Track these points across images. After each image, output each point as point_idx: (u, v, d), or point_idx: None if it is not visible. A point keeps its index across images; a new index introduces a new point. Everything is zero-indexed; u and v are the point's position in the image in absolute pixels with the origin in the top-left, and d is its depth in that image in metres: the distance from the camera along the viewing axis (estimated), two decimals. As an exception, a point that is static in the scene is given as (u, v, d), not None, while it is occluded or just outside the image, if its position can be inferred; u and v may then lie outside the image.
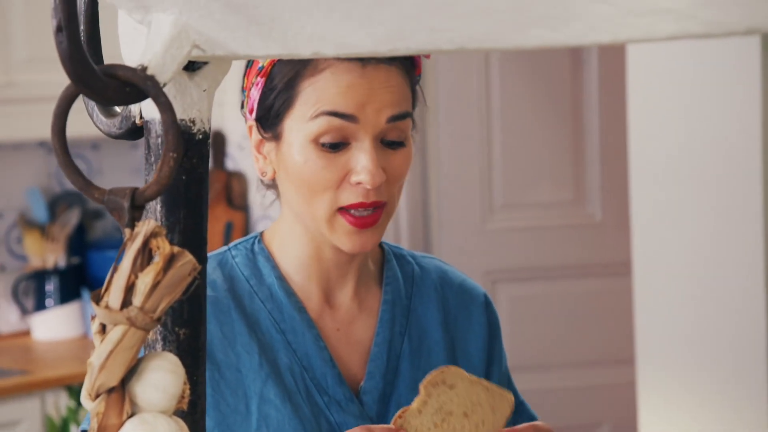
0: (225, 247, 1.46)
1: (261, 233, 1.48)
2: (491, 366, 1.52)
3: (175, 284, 0.77)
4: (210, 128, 0.86)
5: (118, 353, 0.76)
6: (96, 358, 0.76)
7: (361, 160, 1.31)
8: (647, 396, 2.48)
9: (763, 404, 2.28)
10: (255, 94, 1.36)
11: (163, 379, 0.77)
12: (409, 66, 1.37)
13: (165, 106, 0.77)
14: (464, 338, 1.49)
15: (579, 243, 3.41)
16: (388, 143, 1.34)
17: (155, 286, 0.76)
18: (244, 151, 3.77)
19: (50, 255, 3.63)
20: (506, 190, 3.41)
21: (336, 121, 1.31)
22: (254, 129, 1.38)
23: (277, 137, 1.35)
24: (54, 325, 3.59)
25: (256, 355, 1.38)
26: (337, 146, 1.32)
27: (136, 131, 0.89)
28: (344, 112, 1.31)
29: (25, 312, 3.66)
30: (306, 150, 1.32)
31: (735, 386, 2.33)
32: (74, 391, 3.14)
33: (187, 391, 0.78)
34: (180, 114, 0.84)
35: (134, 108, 0.88)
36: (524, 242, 3.41)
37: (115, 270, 0.77)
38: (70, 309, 3.62)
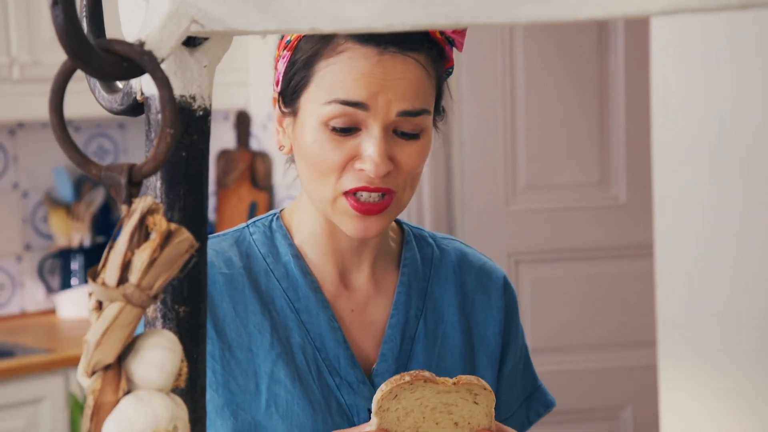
0: (244, 224, 1.46)
1: (281, 210, 1.47)
2: (507, 348, 1.50)
3: (172, 261, 0.77)
4: (211, 105, 0.86)
5: (115, 330, 0.75)
6: (92, 335, 0.76)
7: (368, 148, 1.30)
8: (669, 378, 2.46)
9: (786, 388, 2.26)
10: (281, 67, 1.36)
11: (160, 357, 0.76)
12: (435, 57, 1.34)
13: (162, 81, 0.76)
14: (482, 322, 1.48)
15: (603, 224, 3.39)
16: (401, 134, 1.32)
17: (152, 263, 0.76)
18: (268, 131, 3.77)
19: (75, 234, 3.65)
20: (530, 172, 3.38)
21: (347, 109, 1.29)
22: (277, 102, 1.38)
23: (294, 113, 1.35)
24: (79, 303, 3.61)
25: (267, 335, 1.38)
26: (348, 130, 1.31)
27: (137, 107, 0.88)
28: (355, 100, 1.29)
29: (50, 290, 3.69)
30: (317, 131, 1.32)
31: (757, 368, 2.31)
32: (98, 370, 3.16)
33: (185, 369, 0.78)
34: (180, 90, 0.83)
35: (135, 84, 0.87)
36: (548, 224, 3.39)
37: (111, 247, 0.76)
38: (95, 288, 3.63)
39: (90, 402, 0.76)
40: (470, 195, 3.37)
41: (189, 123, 0.84)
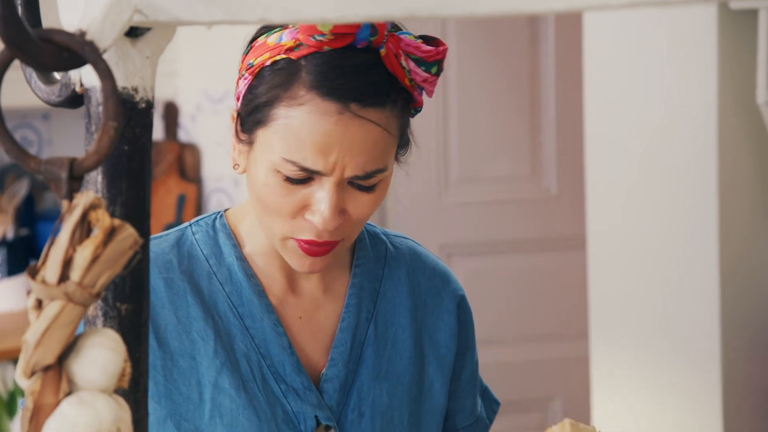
0: (186, 223, 1.42)
1: (225, 211, 1.42)
2: (465, 354, 1.48)
3: (116, 258, 0.74)
4: (153, 97, 0.83)
5: (55, 330, 0.73)
6: (31, 335, 0.73)
7: (319, 203, 1.26)
8: (600, 371, 2.48)
9: (716, 380, 2.29)
10: (242, 86, 1.31)
11: (102, 357, 0.74)
12: (401, 106, 1.29)
13: (104, 72, 0.74)
14: (433, 326, 1.45)
15: (535, 217, 3.41)
16: (357, 185, 1.28)
17: (94, 260, 0.73)
18: (197, 122, 3.73)
19: (-1, 226, 3.58)
20: (462, 164, 3.39)
21: (297, 168, 1.25)
22: (235, 121, 1.32)
23: (250, 143, 1.30)
24: (2, 297, 3.53)
25: (211, 342, 1.34)
26: (300, 180, 1.26)
27: (76, 99, 0.85)
28: (309, 168, 1.25)
29: (-28, 284, 3.61)
30: (269, 174, 1.27)
31: (687, 361, 2.34)
32: (23, 365, 3.09)
33: (128, 369, 0.76)
34: (122, 82, 0.81)
35: (74, 75, 0.84)
36: (480, 216, 3.40)
37: (52, 243, 0.74)
38: (19, 281, 3.56)
39: (29, 404, 0.73)
40: (402, 187, 3.36)
41: (131, 116, 0.81)
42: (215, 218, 1.40)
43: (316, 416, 1.36)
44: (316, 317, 1.40)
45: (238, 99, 1.32)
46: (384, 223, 3.38)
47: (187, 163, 3.73)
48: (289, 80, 1.25)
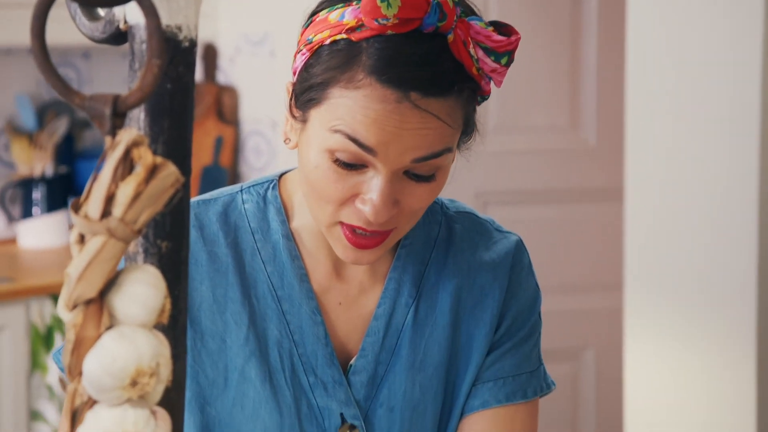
0: (238, 188, 1.35)
1: (279, 177, 1.35)
2: (505, 314, 1.35)
3: (157, 196, 0.75)
4: (197, 36, 0.83)
5: (97, 264, 0.74)
6: (74, 269, 0.74)
7: (371, 191, 1.18)
8: (634, 322, 2.48)
9: (752, 332, 2.28)
10: (299, 61, 1.24)
11: (143, 293, 0.75)
12: (467, 96, 1.20)
13: (149, 9, 0.74)
14: (475, 320, 1.34)
15: (572, 167, 3.39)
16: (413, 175, 1.20)
17: (136, 197, 0.74)
18: (235, 64, 3.73)
19: (38, 163, 3.60)
20: (500, 114, 3.37)
21: (354, 146, 1.17)
22: (291, 95, 1.25)
23: (303, 121, 1.23)
24: (41, 233, 3.57)
25: (244, 328, 1.29)
26: (353, 166, 1.19)
27: (120, 36, 0.86)
28: (363, 143, 1.17)
29: (11, 219, 3.64)
30: (321, 157, 1.20)
31: (723, 314, 2.33)
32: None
33: (168, 306, 0.76)
34: (166, 20, 0.81)
35: (118, 12, 0.85)
36: (517, 165, 3.38)
37: (95, 179, 0.75)
38: (57, 218, 3.60)
39: (71, 336, 0.74)
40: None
41: (175, 54, 0.81)
42: (268, 188, 1.34)
43: (341, 414, 1.30)
44: (357, 302, 1.33)
45: (294, 73, 1.25)
46: (420, 170, 3.37)
47: (225, 106, 3.74)
48: (348, 62, 1.18)
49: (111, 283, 0.75)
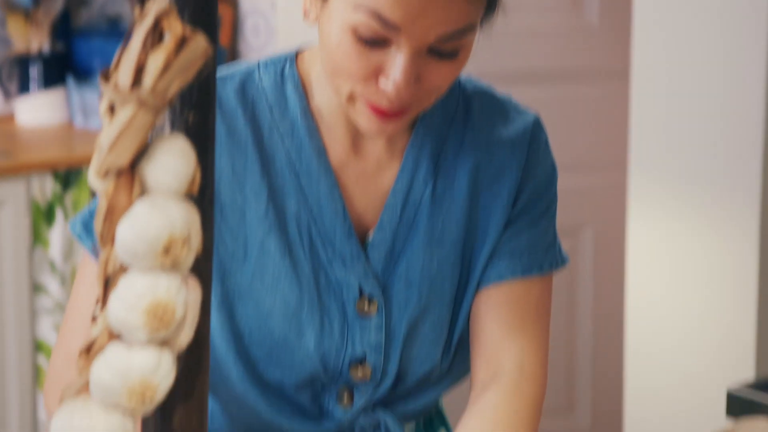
0: (254, 64, 1.33)
1: (296, 54, 1.33)
2: (521, 192, 1.35)
3: (187, 66, 0.75)
4: None
5: (128, 133, 0.74)
6: (105, 138, 0.75)
7: (394, 69, 1.17)
8: (637, 201, 2.50)
9: (755, 215, 2.30)
10: None
11: (174, 162, 0.76)
12: None
13: None
14: (492, 193, 1.34)
15: (575, 47, 3.37)
16: (436, 52, 1.19)
17: (166, 67, 0.74)
18: (234, -61, 3.66)
19: (34, 40, 3.57)
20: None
21: (377, 23, 1.15)
22: None
23: None
24: (38, 110, 3.56)
25: (263, 202, 1.29)
26: (376, 43, 1.17)
27: None
28: (388, 19, 1.15)
29: (8, 95, 3.63)
30: (342, 34, 1.18)
31: (727, 197, 2.35)
32: (59, 177, 3.14)
33: (198, 176, 0.77)
34: None
35: None
36: (519, 45, 3.36)
37: (124, 49, 0.75)
38: (55, 95, 3.58)
39: (103, 204, 0.75)
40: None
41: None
42: (285, 64, 1.32)
43: (359, 287, 1.31)
44: (375, 178, 1.33)
45: None
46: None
47: (223, -18, 3.69)
48: None
49: (142, 154, 0.76)
